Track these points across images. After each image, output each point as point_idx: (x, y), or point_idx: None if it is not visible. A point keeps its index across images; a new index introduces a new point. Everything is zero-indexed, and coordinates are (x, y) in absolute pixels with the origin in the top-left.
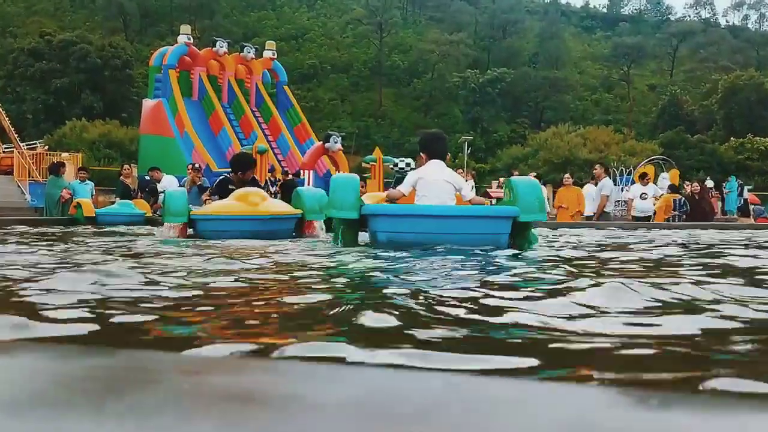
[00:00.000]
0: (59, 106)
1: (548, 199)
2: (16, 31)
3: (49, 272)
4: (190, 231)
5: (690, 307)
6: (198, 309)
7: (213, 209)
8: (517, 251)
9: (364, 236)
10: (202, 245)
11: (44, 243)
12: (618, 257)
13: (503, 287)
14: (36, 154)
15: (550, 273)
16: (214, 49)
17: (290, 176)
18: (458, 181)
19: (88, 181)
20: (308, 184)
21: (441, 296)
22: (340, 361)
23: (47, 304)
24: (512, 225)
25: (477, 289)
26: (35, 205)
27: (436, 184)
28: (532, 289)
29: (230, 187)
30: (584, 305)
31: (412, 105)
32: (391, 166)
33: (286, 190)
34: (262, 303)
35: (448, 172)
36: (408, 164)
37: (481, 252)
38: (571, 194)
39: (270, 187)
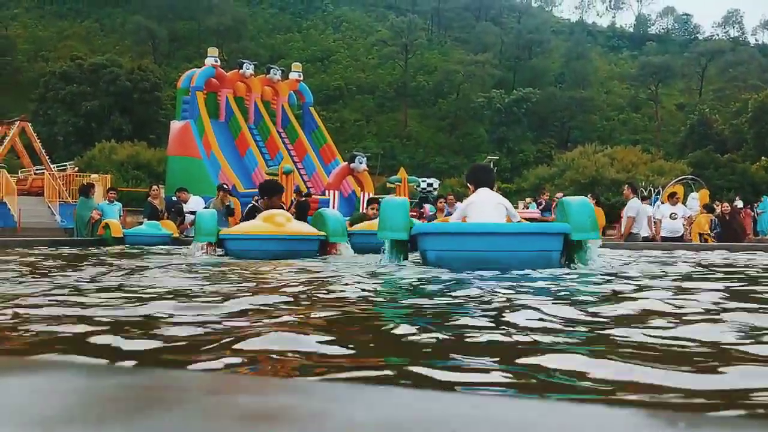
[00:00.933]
0: (89, 128)
1: None
2: (48, 55)
3: (76, 292)
4: (219, 251)
5: (733, 330)
6: (224, 327)
7: (241, 229)
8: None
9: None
10: (233, 264)
11: (73, 264)
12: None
13: (532, 307)
14: (66, 176)
15: (584, 294)
16: (240, 71)
17: (303, 197)
18: (508, 204)
19: (116, 202)
20: (333, 205)
21: (475, 317)
22: (367, 380)
23: (74, 322)
24: (565, 244)
25: (509, 308)
26: (65, 226)
27: (489, 206)
28: (565, 311)
29: (256, 213)
30: (614, 327)
31: (437, 125)
32: (416, 186)
33: (300, 211)
34: (289, 321)
35: (498, 196)
36: (430, 184)
37: (521, 272)
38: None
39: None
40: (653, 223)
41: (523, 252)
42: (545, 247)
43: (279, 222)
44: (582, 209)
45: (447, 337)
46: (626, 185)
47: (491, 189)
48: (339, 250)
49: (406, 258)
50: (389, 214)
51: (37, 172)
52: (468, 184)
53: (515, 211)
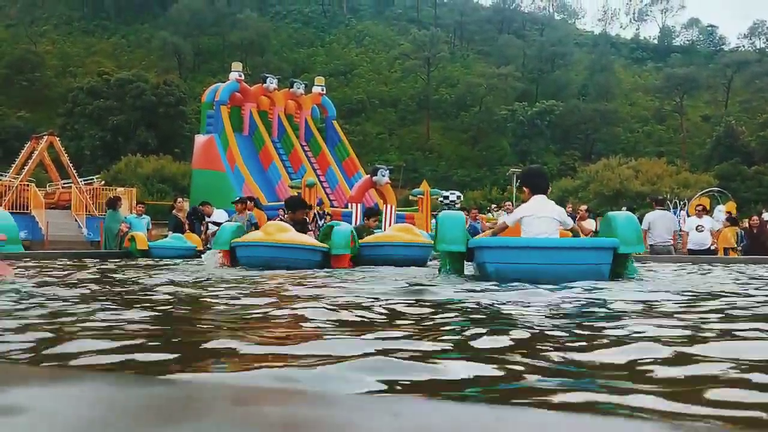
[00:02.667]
0: (115, 142)
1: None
2: (76, 70)
3: (102, 302)
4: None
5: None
6: (252, 337)
7: (243, 239)
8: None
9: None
10: (253, 273)
11: (97, 276)
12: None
13: (564, 317)
14: (93, 189)
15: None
16: (264, 85)
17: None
18: (562, 216)
19: (144, 215)
20: (356, 218)
21: (505, 330)
22: (393, 391)
23: (102, 333)
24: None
25: (540, 320)
26: (91, 239)
27: (544, 221)
28: (591, 323)
29: None
30: (650, 340)
31: (459, 138)
32: (440, 199)
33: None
34: (316, 331)
35: (554, 209)
36: (447, 197)
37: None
38: None
39: (318, 220)
40: (679, 235)
41: (577, 265)
42: (597, 261)
43: (269, 231)
44: (628, 224)
45: (482, 346)
46: (648, 198)
47: (546, 193)
48: (346, 262)
49: (461, 270)
50: (448, 227)
51: (65, 185)
52: (523, 188)
53: (567, 217)
